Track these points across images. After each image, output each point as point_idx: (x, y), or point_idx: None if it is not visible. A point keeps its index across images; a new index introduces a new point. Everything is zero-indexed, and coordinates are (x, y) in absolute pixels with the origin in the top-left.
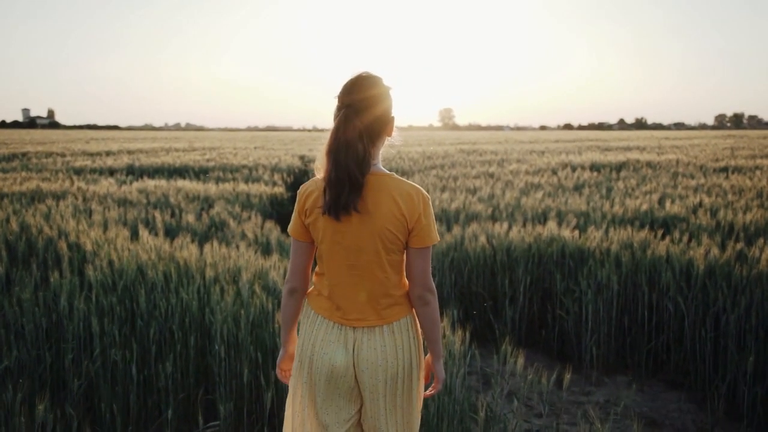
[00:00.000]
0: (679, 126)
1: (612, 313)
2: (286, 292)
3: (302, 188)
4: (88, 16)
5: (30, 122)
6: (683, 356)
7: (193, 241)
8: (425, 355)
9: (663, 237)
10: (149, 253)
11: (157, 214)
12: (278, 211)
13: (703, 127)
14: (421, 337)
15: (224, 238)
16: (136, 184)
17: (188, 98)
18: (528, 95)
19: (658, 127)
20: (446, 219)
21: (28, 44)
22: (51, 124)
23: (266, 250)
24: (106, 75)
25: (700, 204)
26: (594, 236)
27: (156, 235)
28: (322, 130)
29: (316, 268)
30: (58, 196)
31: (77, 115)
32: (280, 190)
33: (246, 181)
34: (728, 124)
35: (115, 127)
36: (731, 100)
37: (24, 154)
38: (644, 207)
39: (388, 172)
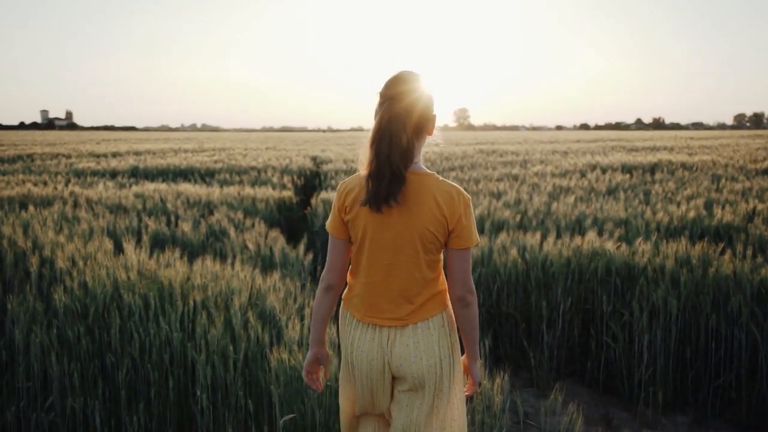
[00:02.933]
0: (697, 126)
1: (670, 342)
2: (321, 290)
3: (342, 185)
4: (104, 17)
5: (48, 123)
6: (758, 395)
7: (182, 255)
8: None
9: (723, 251)
10: (130, 272)
11: (151, 222)
12: (286, 217)
13: (722, 126)
14: (457, 337)
15: (222, 251)
16: (134, 188)
17: (204, 100)
18: (542, 95)
19: (676, 126)
20: None
21: (45, 46)
22: (69, 125)
23: (268, 264)
24: (123, 76)
25: (755, 211)
26: (643, 250)
27: (143, 248)
28: (336, 131)
29: (350, 268)
30: (48, 202)
31: (95, 116)
32: (288, 193)
33: (253, 185)
34: (748, 124)
35: (132, 128)
36: (748, 99)
37: (29, 155)
38: (691, 214)
39: (429, 171)
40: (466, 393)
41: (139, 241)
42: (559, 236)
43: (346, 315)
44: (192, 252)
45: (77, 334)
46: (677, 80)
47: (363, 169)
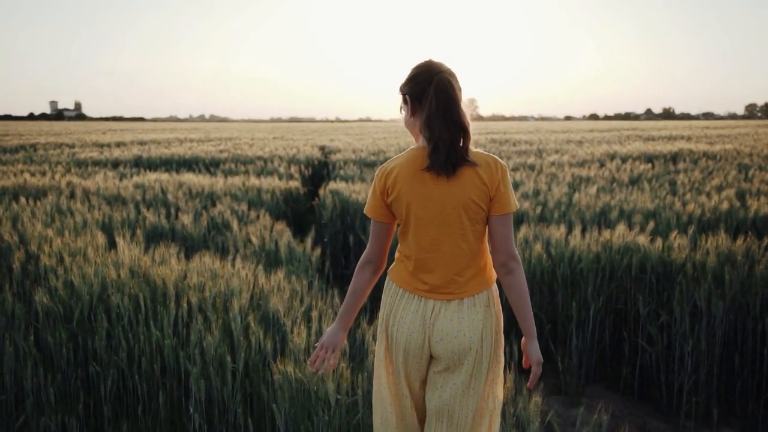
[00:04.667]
0: (708, 115)
1: (714, 347)
2: (359, 265)
3: (380, 170)
4: (113, 9)
5: (57, 114)
6: None
7: (180, 251)
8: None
9: (767, 246)
10: (120, 269)
11: (149, 215)
12: (293, 208)
13: (733, 116)
14: (501, 317)
15: (223, 245)
16: (134, 179)
17: (212, 91)
18: (550, 85)
19: (686, 116)
20: None
21: (55, 38)
22: (78, 116)
23: (273, 260)
24: (132, 68)
25: None
26: (679, 245)
27: (137, 242)
28: (344, 121)
29: (398, 251)
30: (44, 192)
31: (104, 107)
32: (295, 184)
33: (258, 175)
34: (759, 114)
35: (141, 119)
36: (758, 89)
37: (32, 145)
38: (724, 206)
39: None
40: (533, 379)
41: (134, 234)
42: (585, 229)
43: (391, 286)
44: (191, 246)
45: (59, 340)
46: (686, 70)
47: (416, 143)
